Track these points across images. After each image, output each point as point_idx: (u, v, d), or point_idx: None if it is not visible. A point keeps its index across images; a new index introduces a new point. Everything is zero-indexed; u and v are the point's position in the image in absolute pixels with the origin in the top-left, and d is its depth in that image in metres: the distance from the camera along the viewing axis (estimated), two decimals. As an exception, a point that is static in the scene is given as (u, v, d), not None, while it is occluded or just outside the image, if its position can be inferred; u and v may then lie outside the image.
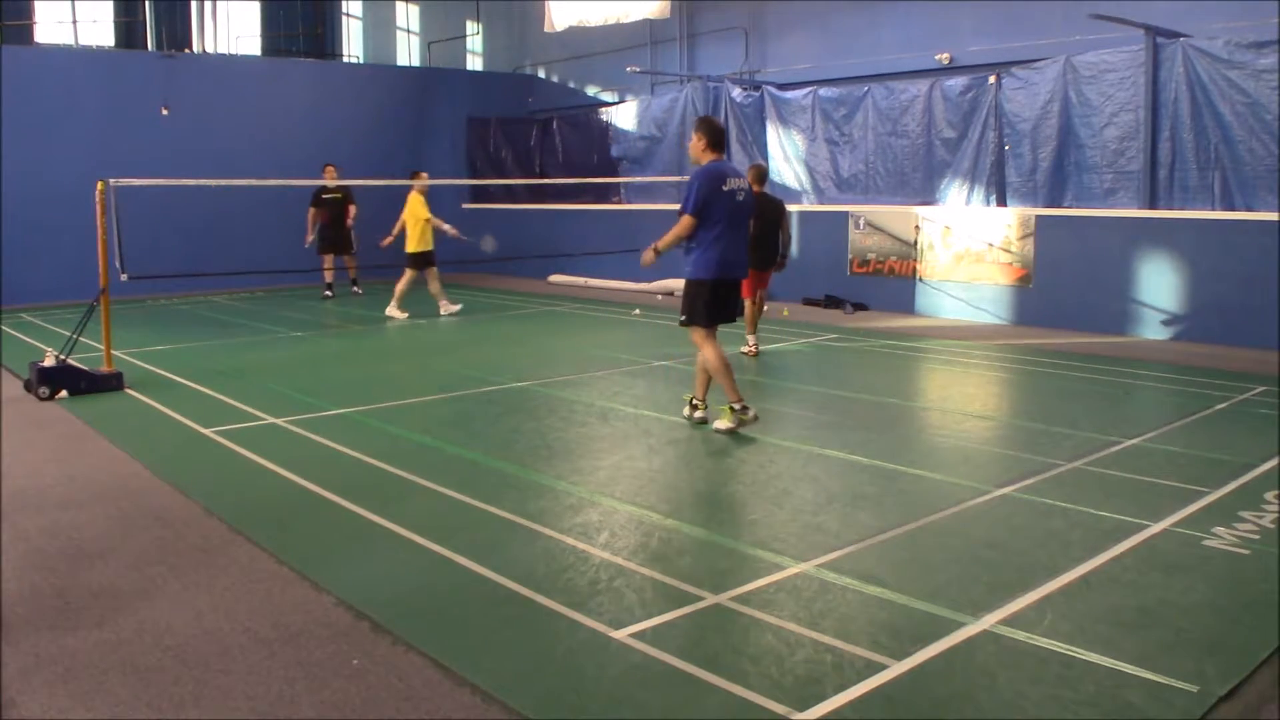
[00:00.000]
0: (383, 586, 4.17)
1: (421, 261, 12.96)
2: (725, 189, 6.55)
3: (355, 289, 15.71)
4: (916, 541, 4.68)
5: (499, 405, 7.75)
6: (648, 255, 6.82)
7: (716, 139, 6.71)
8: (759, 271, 9.53)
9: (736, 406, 6.73)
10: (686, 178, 14.88)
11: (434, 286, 13.11)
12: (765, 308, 10.46)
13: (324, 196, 14.78)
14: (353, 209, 14.88)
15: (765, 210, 9.43)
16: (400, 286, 12.92)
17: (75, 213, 12.80)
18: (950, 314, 12.71)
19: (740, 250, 6.78)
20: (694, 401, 7.02)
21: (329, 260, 15.10)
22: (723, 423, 6.75)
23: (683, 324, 6.85)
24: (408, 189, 13.10)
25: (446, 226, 13.17)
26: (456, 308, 13.20)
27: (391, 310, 12.87)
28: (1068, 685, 3.27)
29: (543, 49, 20.75)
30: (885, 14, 14.88)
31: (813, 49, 15.97)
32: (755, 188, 9.30)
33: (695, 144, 6.73)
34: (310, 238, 14.92)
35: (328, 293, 15.30)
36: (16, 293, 14.32)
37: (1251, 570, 4.28)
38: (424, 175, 13.42)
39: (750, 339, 9.93)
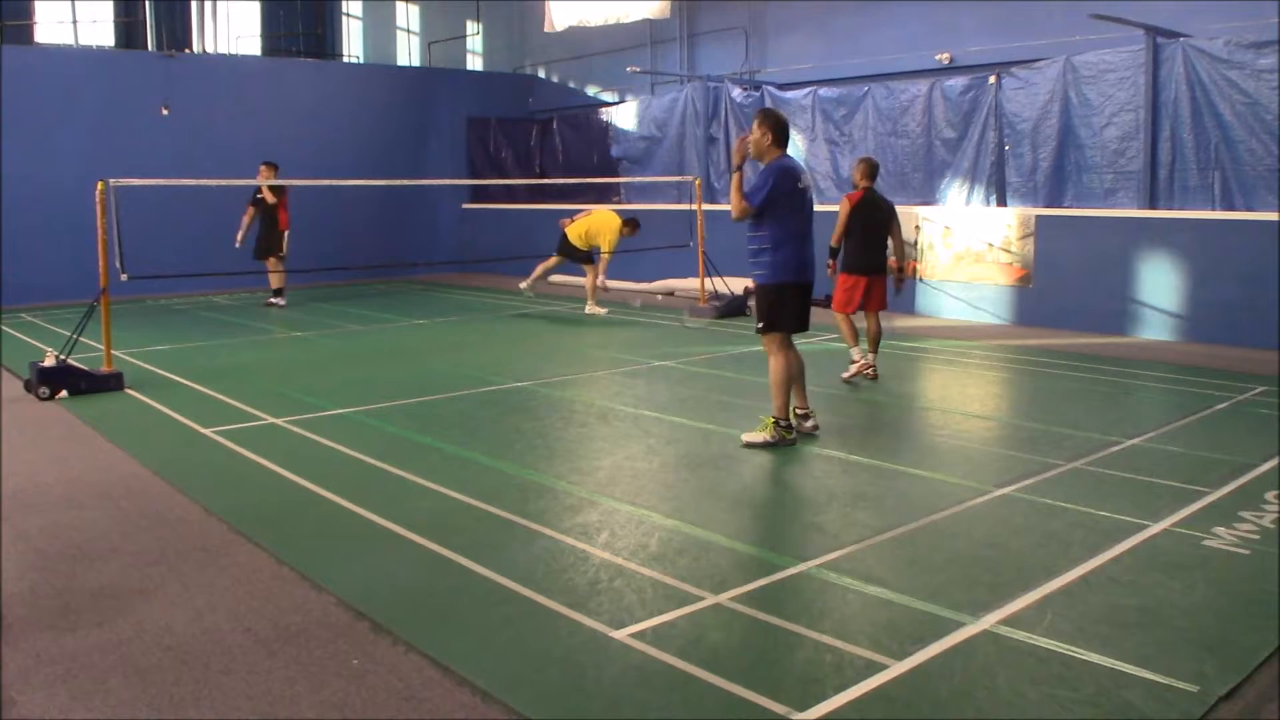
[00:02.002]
0: (383, 587, 4.17)
1: (581, 256, 13.27)
2: (800, 187, 6.24)
3: (275, 300, 14.21)
4: (916, 541, 4.68)
5: (499, 405, 7.75)
6: (738, 153, 6.28)
7: (784, 135, 6.30)
8: (870, 277, 8.41)
9: (783, 422, 6.34)
10: (686, 178, 15.00)
11: (589, 280, 13.37)
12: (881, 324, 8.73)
13: (257, 196, 13.73)
14: (282, 212, 13.65)
15: (875, 210, 8.42)
16: (588, 283, 13.27)
17: (75, 213, 12.81)
18: (950, 314, 12.70)
19: (811, 252, 6.40)
20: (798, 412, 6.54)
21: (270, 265, 13.86)
22: (757, 434, 6.36)
23: (759, 331, 6.42)
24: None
25: (605, 259, 13.36)
26: (601, 310, 13.17)
27: (592, 309, 13.15)
28: (1068, 685, 3.27)
29: (543, 49, 20.74)
30: (885, 14, 14.87)
31: (813, 49, 15.97)
32: (864, 184, 8.43)
33: (759, 139, 6.24)
34: (240, 237, 13.76)
35: (275, 299, 14.22)
36: (16, 293, 14.31)
37: (1251, 570, 4.28)
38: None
39: (861, 355, 8.48)
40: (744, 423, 6.75)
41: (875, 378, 8.43)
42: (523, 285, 13.85)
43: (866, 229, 8.32)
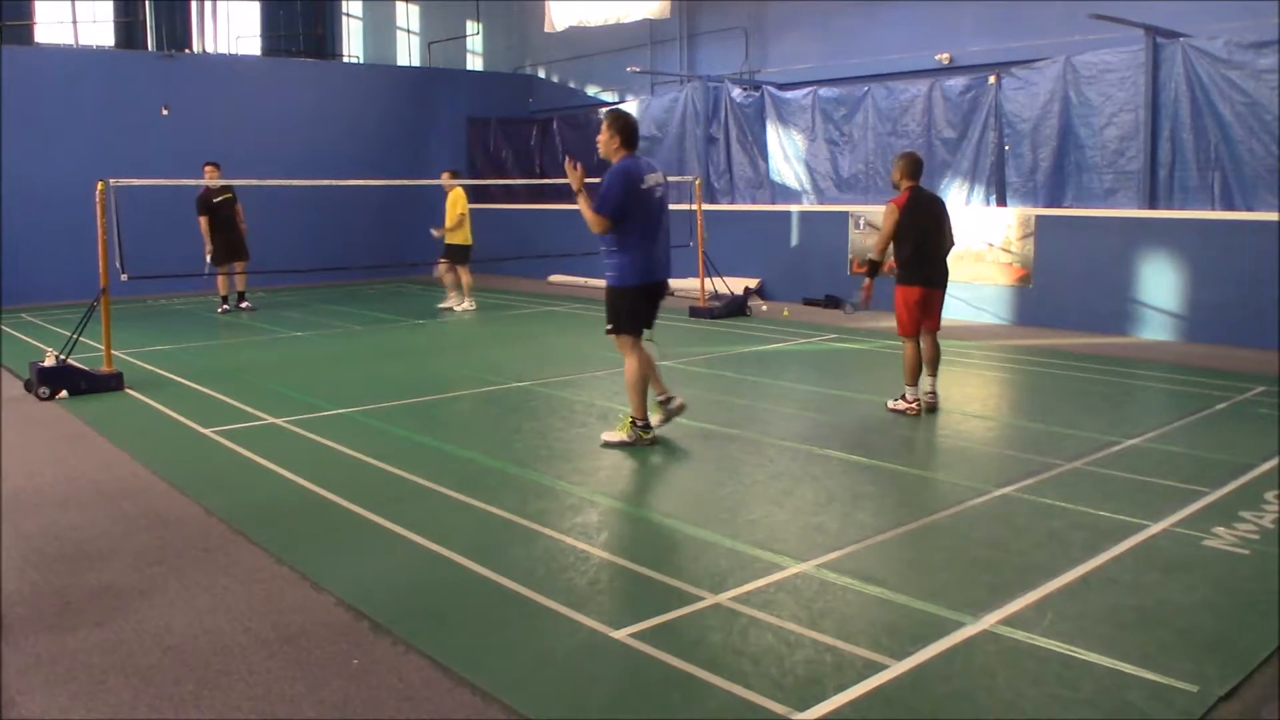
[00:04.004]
0: (383, 586, 4.17)
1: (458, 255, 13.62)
2: (644, 187, 6.19)
3: (244, 304, 13.78)
4: (916, 541, 4.68)
5: (499, 405, 7.75)
6: (575, 178, 6.22)
7: (631, 136, 6.27)
8: (930, 290, 7.31)
9: (639, 422, 6.34)
10: (686, 178, 14.97)
11: (463, 279, 13.77)
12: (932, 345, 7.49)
13: (215, 200, 12.99)
14: (239, 209, 13.26)
15: (925, 212, 7.26)
16: (466, 280, 13.70)
17: (75, 213, 12.80)
18: (950, 314, 12.63)
19: (663, 250, 6.39)
20: (658, 399, 6.49)
21: (227, 269, 13.33)
22: (616, 434, 6.39)
23: (609, 333, 6.38)
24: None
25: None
26: (451, 304, 13.72)
27: (463, 304, 13.67)
28: (1068, 685, 3.27)
29: (543, 49, 20.75)
30: (885, 14, 14.87)
31: (813, 49, 15.97)
32: (907, 184, 7.26)
33: (608, 141, 6.25)
34: (210, 251, 13.08)
35: (225, 306, 13.55)
36: (16, 293, 14.33)
37: (1251, 570, 4.28)
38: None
39: (914, 396, 7.28)
40: (743, 423, 6.76)
41: (935, 407, 7.37)
42: (462, 306, 13.65)
43: (920, 234, 7.20)
